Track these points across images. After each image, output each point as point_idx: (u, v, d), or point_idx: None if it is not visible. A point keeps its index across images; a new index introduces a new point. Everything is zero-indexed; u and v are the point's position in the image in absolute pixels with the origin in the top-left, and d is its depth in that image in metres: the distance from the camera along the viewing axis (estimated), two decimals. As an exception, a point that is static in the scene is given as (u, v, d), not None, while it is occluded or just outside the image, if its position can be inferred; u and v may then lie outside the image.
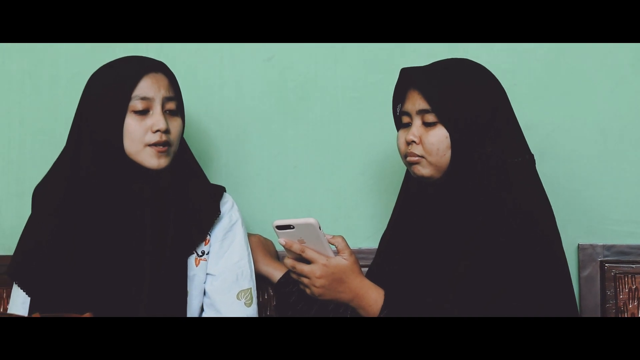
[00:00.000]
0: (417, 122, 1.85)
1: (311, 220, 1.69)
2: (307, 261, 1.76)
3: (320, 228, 1.70)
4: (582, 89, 2.25)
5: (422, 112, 1.84)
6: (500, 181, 1.78)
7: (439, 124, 1.82)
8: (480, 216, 1.77)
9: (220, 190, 2.04)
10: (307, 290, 1.78)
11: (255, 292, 2.01)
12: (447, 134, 1.81)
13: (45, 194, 1.95)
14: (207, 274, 1.98)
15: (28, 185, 2.26)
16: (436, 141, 1.82)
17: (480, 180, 1.79)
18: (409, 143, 1.86)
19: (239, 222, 2.03)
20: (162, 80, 1.92)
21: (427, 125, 1.84)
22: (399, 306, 1.76)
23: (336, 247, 1.77)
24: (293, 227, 1.71)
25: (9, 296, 2.07)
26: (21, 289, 1.90)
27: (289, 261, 1.78)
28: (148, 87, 1.89)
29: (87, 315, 1.64)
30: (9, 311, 1.90)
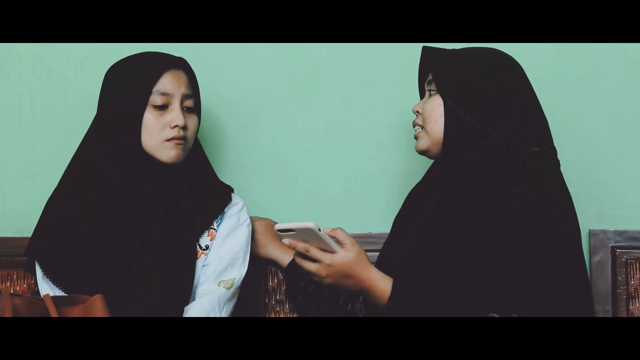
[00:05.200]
0: (427, 95, 1.89)
1: (310, 224, 1.69)
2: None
3: (319, 229, 1.70)
4: (595, 74, 2.24)
5: (429, 83, 1.87)
6: (504, 166, 1.77)
7: (437, 93, 1.84)
8: (494, 206, 1.75)
9: (228, 188, 2.06)
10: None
11: (239, 283, 1.98)
12: (442, 102, 1.82)
13: (65, 185, 1.98)
14: (202, 265, 1.99)
15: (38, 168, 2.27)
16: (430, 108, 1.84)
17: (480, 159, 1.78)
18: (415, 114, 1.90)
19: (246, 224, 2.04)
20: (182, 77, 1.95)
21: (431, 95, 1.86)
22: (406, 296, 1.75)
23: (338, 240, 1.76)
24: (294, 231, 1.71)
25: (20, 278, 2.10)
26: (41, 268, 1.91)
27: (297, 259, 1.78)
28: (169, 83, 1.92)
29: (97, 296, 1.66)
30: (38, 282, 1.93)
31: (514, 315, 1.67)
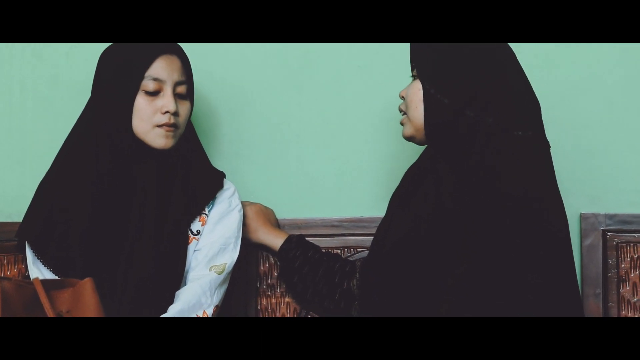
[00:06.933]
0: (411, 80, 1.88)
1: None
2: None
3: None
4: (587, 57, 2.24)
5: (412, 68, 1.87)
6: (487, 152, 1.76)
7: (418, 78, 1.83)
8: (478, 190, 1.75)
9: (220, 174, 2.06)
10: None
11: (231, 268, 1.98)
12: (421, 86, 1.81)
13: (57, 168, 1.98)
14: (194, 250, 1.99)
15: (29, 153, 2.27)
16: (411, 93, 1.85)
17: (463, 144, 1.77)
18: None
19: (237, 209, 2.04)
20: (175, 63, 1.94)
21: (413, 79, 1.86)
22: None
23: None
24: None
25: (10, 263, 2.10)
26: (31, 249, 1.92)
27: None
28: (161, 69, 1.91)
29: (86, 280, 1.66)
30: (28, 266, 1.94)
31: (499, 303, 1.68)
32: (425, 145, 1.92)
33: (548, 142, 1.84)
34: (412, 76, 1.88)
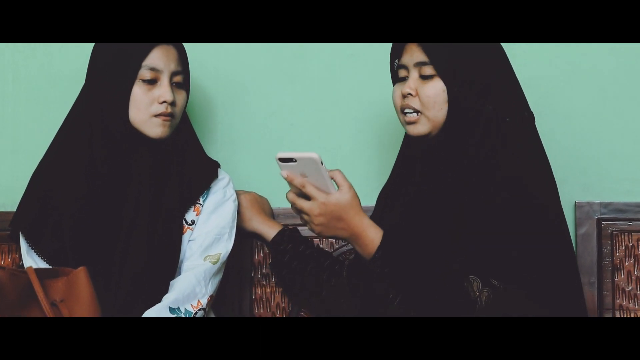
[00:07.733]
0: (414, 74, 1.83)
1: (313, 154, 1.65)
2: (308, 197, 1.72)
3: (322, 163, 1.66)
4: (580, 46, 2.24)
5: (419, 65, 1.82)
6: (497, 141, 1.77)
7: (437, 77, 1.80)
8: (475, 178, 1.75)
9: (215, 164, 2.06)
10: (307, 226, 1.76)
11: (225, 258, 1.98)
12: (445, 87, 1.79)
13: (51, 157, 1.98)
14: (188, 240, 1.99)
15: (23, 143, 2.27)
16: (433, 94, 1.81)
17: (479, 138, 1.77)
18: (405, 96, 1.84)
19: (232, 199, 2.04)
20: (172, 53, 1.94)
21: (425, 78, 1.82)
22: (395, 248, 1.73)
23: (335, 182, 1.73)
24: (295, 161, 1.67)
25: (5, 252, 2.12)
26: (26, 240, 1.92)
27: (290, 195, 1.73)
28: (158, 59, 1.91)
29: (80, 269, 1.65)
30: (22, 256, 1.94)
31: (494, 282, 1.68)
32: (404, 136, 1.93)
33: (532, 113, 1.85)
34: (422, 75, 1.83)
